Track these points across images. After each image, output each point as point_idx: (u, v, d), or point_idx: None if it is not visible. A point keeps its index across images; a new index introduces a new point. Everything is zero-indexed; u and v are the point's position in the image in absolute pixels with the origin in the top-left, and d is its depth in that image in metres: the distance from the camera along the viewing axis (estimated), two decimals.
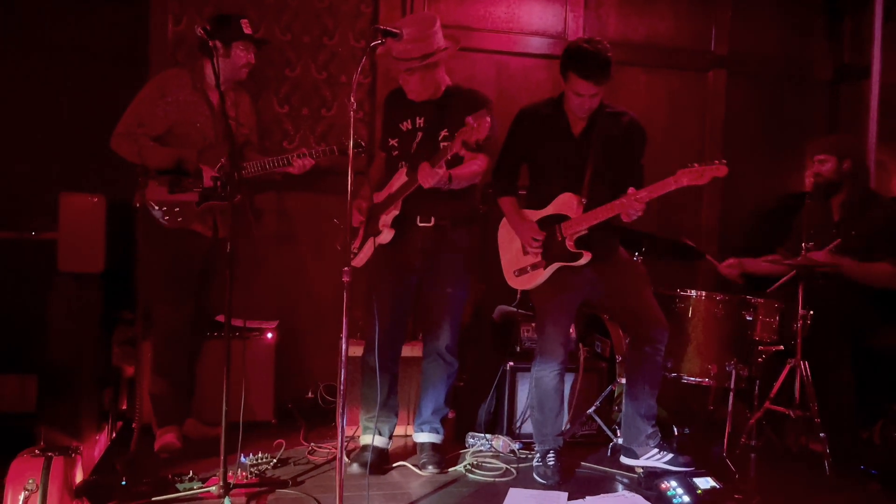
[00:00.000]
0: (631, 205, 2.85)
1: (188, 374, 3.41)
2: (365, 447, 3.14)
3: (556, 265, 3.06)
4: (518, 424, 3.57)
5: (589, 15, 4.38)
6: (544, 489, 3.00)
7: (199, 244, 3.28)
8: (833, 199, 3.66)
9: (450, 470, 3.19)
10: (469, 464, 3.23)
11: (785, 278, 3.57)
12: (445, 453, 3.28)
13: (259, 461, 3.11)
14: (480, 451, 3.41)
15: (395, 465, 3.21)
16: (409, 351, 3.47)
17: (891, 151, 4.35)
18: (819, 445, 3.29)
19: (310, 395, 3.98)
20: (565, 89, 3.02)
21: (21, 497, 2.31)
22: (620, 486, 3.08)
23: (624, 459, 3.21)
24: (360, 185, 3.21)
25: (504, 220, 3.25)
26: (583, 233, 3.02)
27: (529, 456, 3.30)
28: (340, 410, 2.52)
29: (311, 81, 4.07)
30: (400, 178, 3.07)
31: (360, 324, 3.58)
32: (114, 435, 3.55)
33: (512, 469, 3.21)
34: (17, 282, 3.41)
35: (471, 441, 3.46)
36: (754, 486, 3.13)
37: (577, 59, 2.91)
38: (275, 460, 3.14)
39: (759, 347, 3.40)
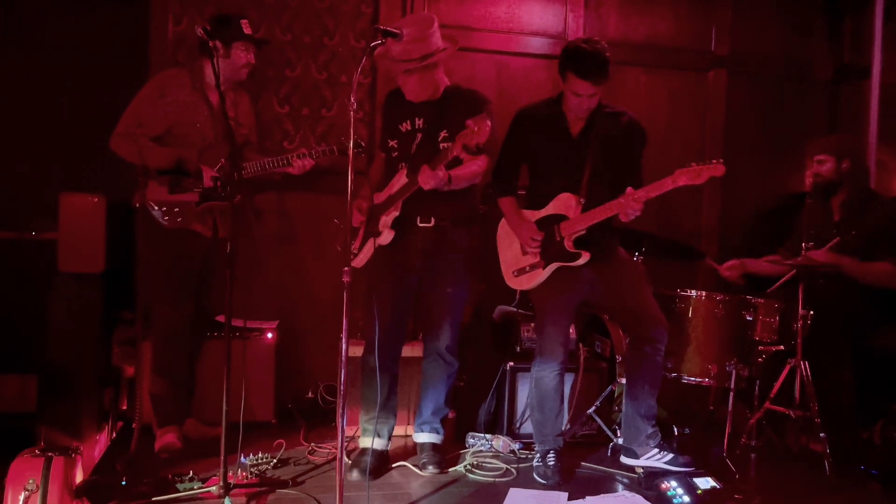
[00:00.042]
0: (629, 205, 2.85)
1: (188, 375, 3.41)
2: (364, 450, 3.14)
3: (554, 265, 3.06)
4: (518, 424, 3.57)
5: (589, 15, 4.38)
6: (544, 489, 3.00)
7: (198, 244, 3.28)
8: (833, 199, 3.66)
9: (450, 470, 3.19)
10: (469, 464, 3.23)
11: (785, 278, 3.57)
12: (446, 453, 3.28)
13: (259, 461, 3.11)
14: (481, 451, 3.41)
15: (395, 465, 3.21)
16: (409, 351, 3.47)
17: (891, 151, 4.35)
18: (819, 445, 3.30)
19: (310, 395, 3.98)
20: (564, 89, 3.02)
21: (21, 497, 2.31)
22: (620, 487, 3.08)
23: (624, 459, 3.21)
24: (360, 185, 3.21)
25: (503, 220, 3.25)
26: (581, 233, 3.02)
27: (529, 456, 3.30)
28: (340, 410, 2.52)
29: (312, 81, 4.07)
30: (400, 180, 3.07)
31: (361, 324, 3.58)
32: (114, 435, 3.55)
33: (512, 469, 3.21)
34: (17, 282, 3.41)
35: (471, 441, 3.46)
36: (754, 486, 3.13)
37: (575, 59, 2.91)
38: (275, 460, 3.15)
39: (760, 347, 3.40)
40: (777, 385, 3.43)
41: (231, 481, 2.73)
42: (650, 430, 3.14)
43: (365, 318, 3.23)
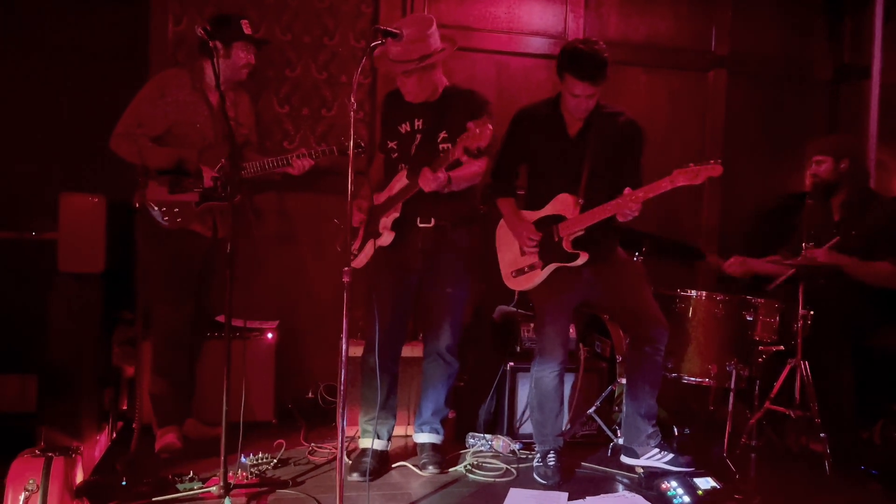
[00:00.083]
0: (627, 205, 2.85)
1: (188, 375, 3.41)
2: (364, 451, 3.14)
3: (553, 266, 3.06)
4: (518, 425, 3.57)
5: (589, 15, 4.38)
6: (545, 489, 3.00)
7: (198, 244, 3.28)
8: (833, 199, 3.66)
9: (450, 470, 3.19)
10: (469, 464, 3.23)
11: (784, 276, 3.57)
12: (446, 453, 3.28)
13: (259, 461, 3.11)
14: (481, 451, 3.41)
15: (395, 465, 3.21)
16: (409, 351, 3.47)
17: (891, 151, 4.35)
18: (819, 445, 3.30)
19: (310, 395, 3.98)
20: (562, 90, 3.02)
21: (21, 497, 2.31)
22: (621, 487, 3.08)
23: (624, 459, 3.21)
24: (361, 185, 3.21)
25: (502, 220, 3.25)
26: (580, 233, 3.02)
27: (530, 456, 3.30)
28: (341, 411, 2.52)
29: (312, 81, 4.07)
30: (400, 181, 3.07)
31: (361, 324, 3.59)
32: (114, 435, 3.55)
33: (512, 469, 3.21)
34: (17, 282, 3.41)
35: (471, 441, 3.46)
36: (755, 486, 3.13)
37: (573, 60, 2.91)
38: (275, 460, 3.15)
39: (760, 347, 3.40)
40: (777, 385, 3.43)
41: (231, 481, 2.73)
42: (650, 430, 3.14)
43: (365, 318, 3.23)
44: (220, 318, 3.48)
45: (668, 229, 4.20)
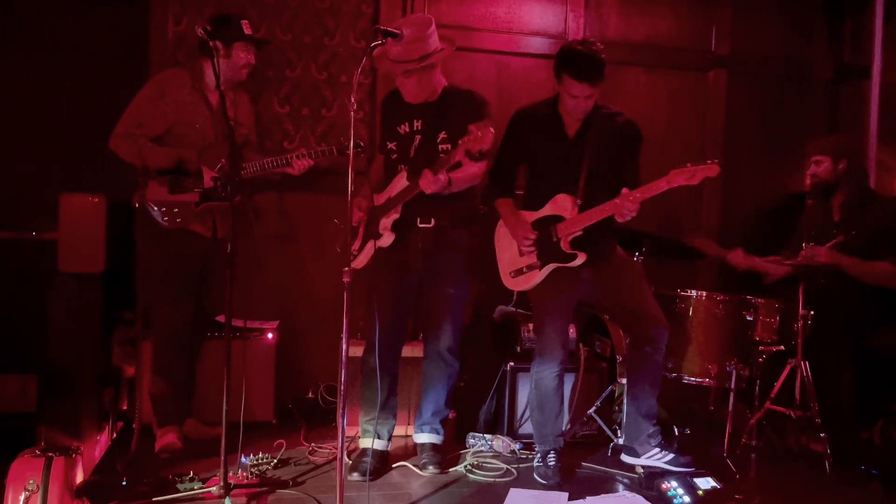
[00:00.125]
0: (624, 205, 2.86)
1: (188, 375, 3.41)
2: (364, 451, 3.14)
3: (551, 266, 3.06)
4: (518, 425, 3.57)
5: (589, 15, 4.38)
6: (545, 489, 3.00)
7: (198, 244, 3.28)
8: (833, 199, 3.66)
9: (450, 470, 3.19)
10: (469, 464, 3.23)
11: (784, 272, 3.56)
12: (446, 453, 3.28)
13: (259, 461, 3.11)
14: (481, 451, 3.41)
15: (395, 465, 3.21)
16: (409, 351, 3.47)
17: (891, 151, 4.35)
18: (819, 445, 3.30)
19: (310, 395, 3.97)
20: (560, 91, 3.02)
21: (22, 497, 2.31)
22: (621, 487, 3.08)
23: (625, 457, 3.22)
24: (361, 184, 3.21)
25: (501, 221, 3.25)
26: (578, 234, 3.02)
27: (530, 456, 3.30)
28: (341, 411, 2.52)
29: (312, 82, 4.07)
30: (400, 183, 3.07)
31: (361, 324, 3.59)
32: (114, 435, 3.55)
33: (512, 469, 3.21)
34: (17, 282, 3.41)
35: (471, 441, 3.46)
36: (755, 486, 3.13)
37: (570, 60, 2.91)
38: (275, 461, 3.15)
39: (760, 347, 3.40)
40: (777, 385, 3.44)
41: (231, 481, 2.73)
42: (651, 429, 3.15)
43: (365, 318, 3.23)
44: (221, 318, 3.48)
45: (669, 229, 4.19)
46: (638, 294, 3.13)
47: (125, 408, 3.68)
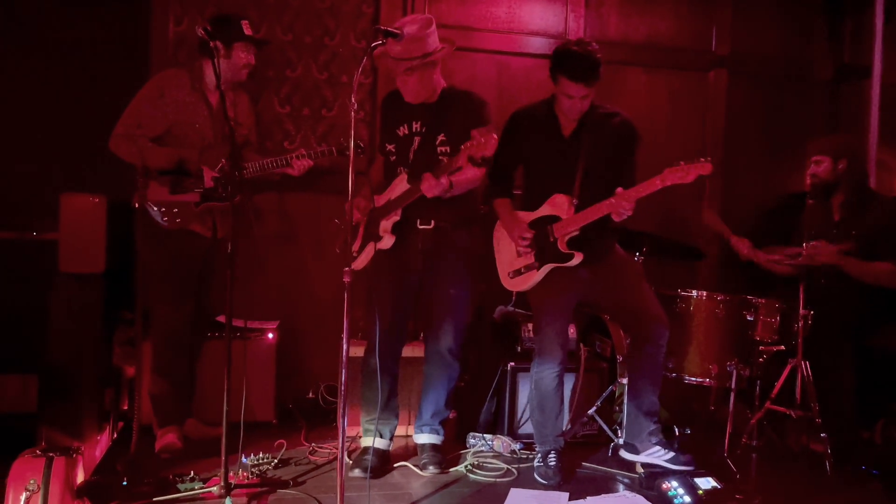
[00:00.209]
0: (620, 205, 2.86)
1: (188, 375, 3.41)
2: (365, 450, 3.14)
3: (549, 266, 3.06)
4: (519, 425, 3.57)
5: (590, 15, 4.38)
6: (545, 489, 3.01)
7: (198, 244, 3.28)
8: (833, 198, 3.66)
9: (451, 470, 3.19)
10: (470, 464, 3.23)
11: (785, 265, 3.57)
12: (446, 454, 3.28)
13: (260, 461, 3.11)
14: (481, 451, 3.41)
15: (396, 465, 3.21)
16: (410, 351, 3.47)
17: (892, 151, 4.35)
18: (820, 445, 3.30)
19: (311, 395, 3.97)
20: (556, 91, 3.02)
21: (22, 497, 2.31)
22: (621, 487, 3.09)
23: (624, 454, 3.23)
24: (361, 184, 3.21)
25: (499, 222, 3.25)
26: (575, 233, 3.02)
27: (530, 456, 3.30)
28: (342, 411, 2.52)
29: (313, 82, 4.07)
30: (401, 185, 3.07)
31: (361, 324, 3.59)
32: (115, 435, 3.55)
33: (513, 469, 3.21)
34: (17, 282, 3.40)
35: (472, 441, 3.46)
36: (755, 486, 3.13)
37: (566, 61, 2.92)
38: (276, 461, 3.15)
39: (760, 347, 3.40)
40: (778, 385, 3.44)
41: (232, 481, 2.74)
42: (652, 427, 3.16)
43: (366, 318, 3.23)
44: (221, 318, 3.48)
45: (669, 229, 4.19)
46: (638, 293, 3.13)
47: (126, 408, 3.68)
